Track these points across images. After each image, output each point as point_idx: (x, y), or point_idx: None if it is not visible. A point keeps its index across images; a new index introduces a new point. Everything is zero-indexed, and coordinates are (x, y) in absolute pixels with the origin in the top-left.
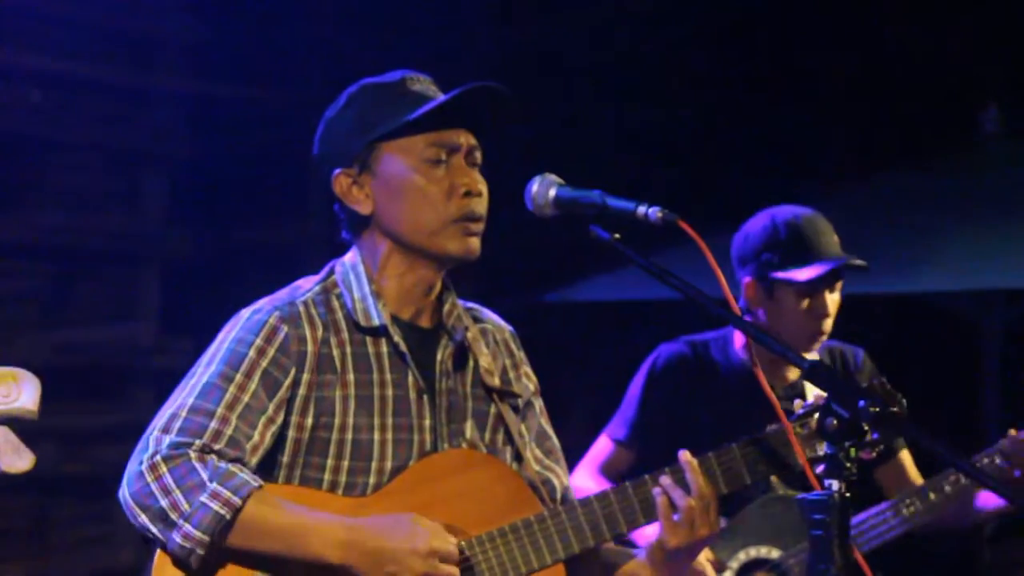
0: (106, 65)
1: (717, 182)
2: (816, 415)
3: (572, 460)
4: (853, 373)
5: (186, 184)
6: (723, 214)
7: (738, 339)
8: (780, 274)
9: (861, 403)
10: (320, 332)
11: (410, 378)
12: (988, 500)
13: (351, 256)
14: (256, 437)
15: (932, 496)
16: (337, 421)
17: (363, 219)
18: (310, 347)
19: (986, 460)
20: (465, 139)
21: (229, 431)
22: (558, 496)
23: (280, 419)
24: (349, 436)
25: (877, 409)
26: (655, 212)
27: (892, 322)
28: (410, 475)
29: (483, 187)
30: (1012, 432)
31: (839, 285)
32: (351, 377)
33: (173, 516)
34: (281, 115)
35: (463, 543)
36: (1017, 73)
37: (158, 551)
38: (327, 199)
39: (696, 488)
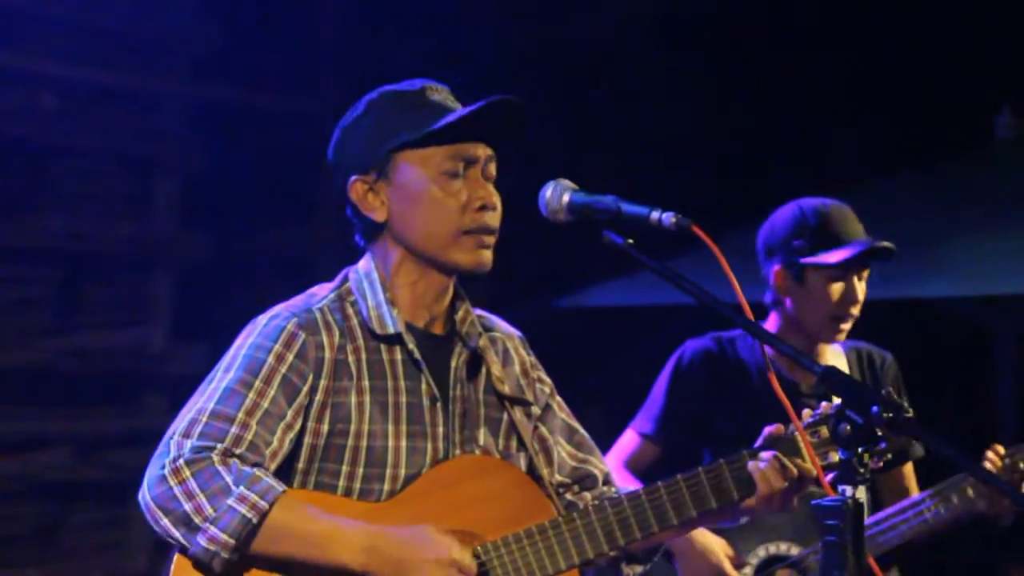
0: (119, 71)
1: (724, 187)
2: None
3: None
4: (877, 375)
5: (198, 189)
6: (728, 220)
7: None
8: (810, 259)
9: (875, 409)
10: (337, 339)
11: (424, 385)
12: None
13: (364, 264)
14: (275, 443)
15: (954, 499)
16: (352, 428)
17: (377, 226)
18: (327, 353)
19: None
20: (483, 152)
21: (249, 436)
22: (599, 485)
23: (298, 425)
24: (364, 443)
25: (890, 415)
26: (669, 217)
27: (904, 328)
28: (425, 481)
29: (498, 200)
30: None
31: (866, 273)
32: (366, 384)
33: (197, 520)
34: (293, 120)
35: (478, 548)
36: None
37: (175, 556)
38: (339, 204)
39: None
